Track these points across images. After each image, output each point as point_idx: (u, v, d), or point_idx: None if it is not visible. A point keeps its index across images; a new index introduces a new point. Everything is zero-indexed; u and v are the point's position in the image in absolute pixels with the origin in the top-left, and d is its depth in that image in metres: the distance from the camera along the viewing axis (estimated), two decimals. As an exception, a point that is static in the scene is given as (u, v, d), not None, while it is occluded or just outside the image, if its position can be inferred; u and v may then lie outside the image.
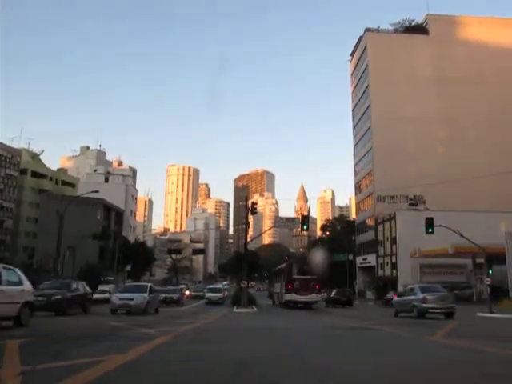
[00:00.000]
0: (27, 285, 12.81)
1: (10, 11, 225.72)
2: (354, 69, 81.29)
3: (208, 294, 44.81)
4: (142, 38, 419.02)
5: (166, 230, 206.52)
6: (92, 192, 46.83)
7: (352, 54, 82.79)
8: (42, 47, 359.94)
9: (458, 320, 19.95)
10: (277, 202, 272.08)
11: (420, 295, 22.02)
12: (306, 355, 7.19)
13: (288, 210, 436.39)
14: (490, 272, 36.20)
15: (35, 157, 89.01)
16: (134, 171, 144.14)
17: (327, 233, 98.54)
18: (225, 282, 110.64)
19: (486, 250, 35.46)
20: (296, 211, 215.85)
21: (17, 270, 13.06)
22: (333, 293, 43.78)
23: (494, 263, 37.08)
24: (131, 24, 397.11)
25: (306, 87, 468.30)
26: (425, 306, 21.40)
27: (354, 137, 79.64)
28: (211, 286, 53.59)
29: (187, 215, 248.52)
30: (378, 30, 76.30)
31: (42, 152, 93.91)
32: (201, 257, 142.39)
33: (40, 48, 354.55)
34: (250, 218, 41.94)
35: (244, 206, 40.94)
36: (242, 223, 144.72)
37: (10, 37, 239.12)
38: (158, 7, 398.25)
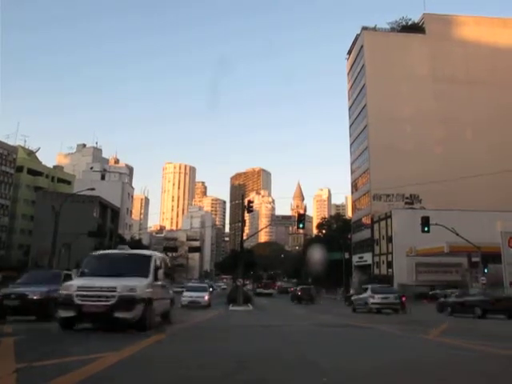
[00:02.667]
0: None
1: (7, 8, 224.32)
2: (351, 67, 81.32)
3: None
4: (139, 36, 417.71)
5: (162, 228, 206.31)
6: (88, 190, 46.73)
7: (349, 53, 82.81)
8: (39, 45, 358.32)
9: (454, 319, 20.05)
10: (273, 201, 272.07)
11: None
12: (304, 353, 7.19)
13: (284, 209, 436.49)
14: (486, 271, 36.41)
15: (31, 154, 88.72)
16: (130, 169, 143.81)
17: (323, 231, 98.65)
18: (221, 284, 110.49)
19: (482, 249, 35.63)
20: (292, 209, 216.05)
21: None
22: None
23: (490, 262, 37.26)
24: (128, 22, 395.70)
25: (304, 86, 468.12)
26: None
27: (351, 135, 79.70)
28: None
29: (183, 213, 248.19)
30: (374, 28, 76.33)
31: (38, 149, 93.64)
32: (197, 255, 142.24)
33: (37, 45, 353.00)
34: (247, 216, 41.81)
35: (240, 204, 40.90)
36: (238, 221, 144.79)
37: (5, 34, 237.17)
38: (157, 5, 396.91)
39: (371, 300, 25.36)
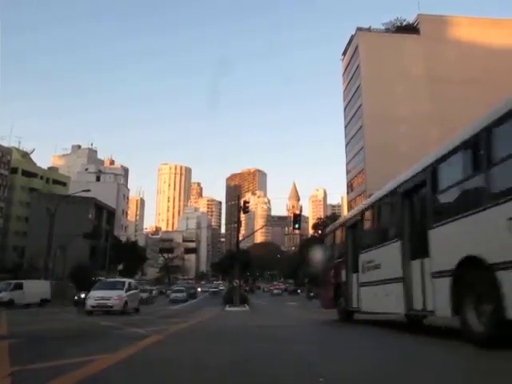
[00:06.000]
0: None
1: (4, 9, 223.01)
2: (346, 68, 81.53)
3: None
4: (136, 36, 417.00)
5: (157, 229, 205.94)
6: (83, 191, 46.61)
7: (344, 54, 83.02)
8: (34, 46, 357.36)
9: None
10: (269, 201, 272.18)
11: None
12: (301, 353, 7.18)
13: (280, 209, 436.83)
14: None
15: (26, 155, 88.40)
16: (125, 170, 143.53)
17: (319, 231, 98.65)
18: (219, 282, 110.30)
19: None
20: (288, 210, 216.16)
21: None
22: None
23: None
24: (126, 23, 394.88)
25: (300, 86, 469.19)
26: None
27: (346, 136, 79.91)
28: None
29: (179, 214, 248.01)
30: (369, 29, 76.62)
31: (33, 151, 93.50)
32: (193, 256, 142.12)
33: (31, 47, 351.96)
34: (242, 216, 41.86)
35: (236, 205, 40.91)
36: (234, 222, 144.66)
37: (1, 35, 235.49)
38: (155, 6, 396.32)
39: None
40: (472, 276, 6.30)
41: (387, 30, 76.09)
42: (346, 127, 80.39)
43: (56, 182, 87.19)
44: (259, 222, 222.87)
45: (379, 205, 10.85)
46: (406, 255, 8.69)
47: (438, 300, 7.30)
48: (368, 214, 11.52)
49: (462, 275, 6.47)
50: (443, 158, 7.81)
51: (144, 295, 40.29)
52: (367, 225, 11.65)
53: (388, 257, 9.57)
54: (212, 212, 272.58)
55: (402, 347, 7.24)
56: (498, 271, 5.58)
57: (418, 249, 8.25)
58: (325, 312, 16.72)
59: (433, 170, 7.85)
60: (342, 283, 13.14)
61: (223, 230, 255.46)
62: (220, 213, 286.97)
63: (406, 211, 8.90)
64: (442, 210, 7.57)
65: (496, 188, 5.94)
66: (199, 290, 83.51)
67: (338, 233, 14.45)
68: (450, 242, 6.94)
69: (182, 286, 69.65)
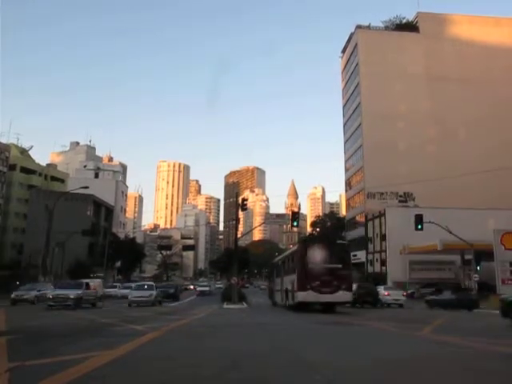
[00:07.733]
0: None
1: (2, 5, 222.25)
2: (345, 65, 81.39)
3: None
4: (134, 33, 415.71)
5: (156, 226, 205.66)
6: (82, 188, 46.48)
7: (343, 51, 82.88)
8: (30, 43, 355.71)
9: (446, 316, 20.19)
10: (267, 199, 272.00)
11: None
12: (297, 352, 7.20)
13: (278, 207, 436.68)
14: (478, 268, 36.61)
15: (24, 152, 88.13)
16: (124, 167, 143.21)
17: (317, 229, 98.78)
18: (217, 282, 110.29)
19: (475, 247, 35.81)
20: (286, 207, 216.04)
21: None
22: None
23: (483, 260, 37.47)
24: (124, 19, 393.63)
25: (298, 84, 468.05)
26: None
27: (345, 133, 79.82)
28: None
29: (177, 211, 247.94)
30: (369, 27, 76.46)
31: (31, 147, 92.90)
32: (191, 253, 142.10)
33: (28, 43, 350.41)
34: (241, 214, 41.83)
35: (234, 203, 40.91)
36: (232, 219, 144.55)
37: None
38: (155, 1, 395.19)
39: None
40: (286, 292, 25.00)
41: (387, 28, 75.92)
42: (344, 125, 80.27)
43: (54, 178, 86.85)
44: (257, 220, 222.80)
45: (279, 261, 30.00)
46: (282, 283, 26.73)
47: (283, 298, 26.03)
48: (276, 265, 30.85)
49: (286, 291, 25.24)
50: (283, 258, 29.68)
51: (72, 294, 24.31)
52: (276, 269, 30.46)
53: (278, 282, 27.93)
54: (210, 209, 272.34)
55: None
56: (288, 292, 24.40)
57: (283, 281, 26.44)
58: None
59: (286, 258, 27.90)
60: (272, 288, 31.43)
61: (221, 228, 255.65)
62: (218, 210, 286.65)
63: (282, 268, 27.71)
64: (284, 272, 27.05)
65: (288, 270, 25.71)
66: (191, 287, 79.88)
67: (272, 265, 34.34)
68: (284, 282, 26.19)
69: (162, 282, 57.45)
